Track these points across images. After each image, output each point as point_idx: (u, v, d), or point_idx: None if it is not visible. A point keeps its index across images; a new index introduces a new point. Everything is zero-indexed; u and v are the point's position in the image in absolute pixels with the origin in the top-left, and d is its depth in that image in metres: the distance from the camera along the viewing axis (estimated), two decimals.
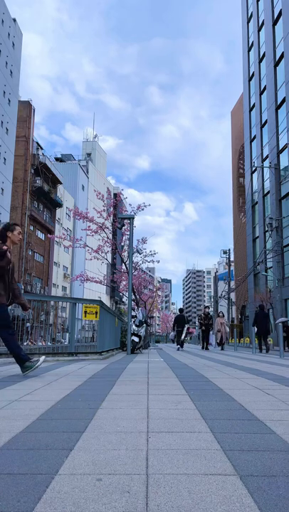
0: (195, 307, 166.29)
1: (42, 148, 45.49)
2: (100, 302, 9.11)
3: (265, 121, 37.53)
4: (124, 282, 22.19)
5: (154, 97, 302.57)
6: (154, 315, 59.12)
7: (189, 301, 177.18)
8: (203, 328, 16.57)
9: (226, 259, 44.78)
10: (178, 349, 15.41)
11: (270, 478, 1.39)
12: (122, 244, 19.50)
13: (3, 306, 4.27)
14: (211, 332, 18.20)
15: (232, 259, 48.59)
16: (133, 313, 12.41)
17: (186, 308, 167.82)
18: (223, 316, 18.11)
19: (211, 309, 17.86)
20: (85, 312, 8.65)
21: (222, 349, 16.65)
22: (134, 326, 11.78)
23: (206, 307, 17.58)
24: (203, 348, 16.61)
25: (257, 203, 39.67)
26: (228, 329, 17.45)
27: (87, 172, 64.85)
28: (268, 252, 33.73)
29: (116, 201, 22.65)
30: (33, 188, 41.53)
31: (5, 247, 4.25)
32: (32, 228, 42.07)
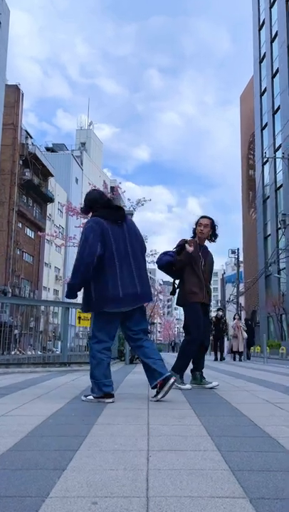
0: None
1: (31, 137, 45.51)
2: None
3: (278, 107, 37.54)
4: None
5: (153, 80, 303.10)
6: (155, 321, 59.16)
7: None
8: (214, 333, 14.92)
9: (235, 260, 44.84)
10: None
11: (284, 502, 1.39)
12: None
13: None
14: (225, 339, 16.46)
15: (241, 259, 48.65)
16: None
17: None
18: (240, 318, 16.80)
19: (221, 313, 16.19)
20: (79, 318, 8.66)
21: (240, 359, 15.33)
22: None
23: (218, 309, 16.22)
24: (216, 359, 14.76)
25: (269, 197, 39.68)
26: (245, 335, 15.86)
27: (82, 163, 64.91)
28: (280, 251, 33.73)
29: (113, 195, 22.65)
30: (22, 181, 41.54)
31: None
32: (20, 225, 42.10)
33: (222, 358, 14.69)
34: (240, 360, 15.20)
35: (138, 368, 9.25)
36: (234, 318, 16.23)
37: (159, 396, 3.52)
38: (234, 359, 15.31)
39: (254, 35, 45.61)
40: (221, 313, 15.79)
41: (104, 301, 3.46)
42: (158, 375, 3.53)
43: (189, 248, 4.50)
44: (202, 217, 4.73)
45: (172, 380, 3.51)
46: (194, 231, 4.78)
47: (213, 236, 4.74)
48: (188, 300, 4.59)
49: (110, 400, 3.46)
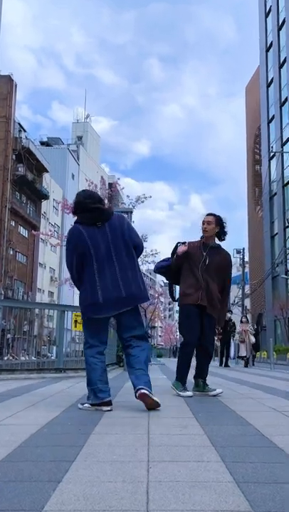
0: None
1: (25, 131, 45.53)
2: None
3: (286, 99, 37.57)
4: None
5: (154, 71, 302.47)
6: (156, 325, 59.14)
7: None
8: (220, 337, 14.36)
9: (240, 260, 44.82)
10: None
11: None
12: None
13: None
14: (232, 342, 15.93)
15: (246, 259, 48.65)
16: None
17: None
18: (248, 321, 16.31)
19: (229, 315, 15.25)
20: (76, 322, 8.66)
21: (246, 365, 14.88)
22: None
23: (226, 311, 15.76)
24: (221, 364, 14.46)
25: (276, 194, 39.70)
26: (253, 339, 15.31)
27: (78, 158, 64.94)
28: (288, 251, 33.76)
29: (111, 192, 22.65)
30: (15, 177, 41.54)
31: None
32: (13, 224, 42.11)
33: (226, 364, 14.36)
34: (245, 366, 14.80)
35: None
36: (241, 322, 15.80)
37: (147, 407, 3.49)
38: (246, 365, 14.85)
39: (260, 22, 45.63)
40: (228, 315, 14.92)
41: (86, 308, 3.61)
42: (134, 385, 3.54)
43: (180, 249, 4.61)
44: (206, 214, 4.79)
45: (141, 392, 3.41)
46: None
47: (221, 234, 4.76)
48: (181, 302, 4.71)
49: (108, 408, 3.46)
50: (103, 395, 3.51)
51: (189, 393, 4.48)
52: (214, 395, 4.55)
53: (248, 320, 16.56)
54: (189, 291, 4.59)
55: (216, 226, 4.69)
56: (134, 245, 3.77)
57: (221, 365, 14.32)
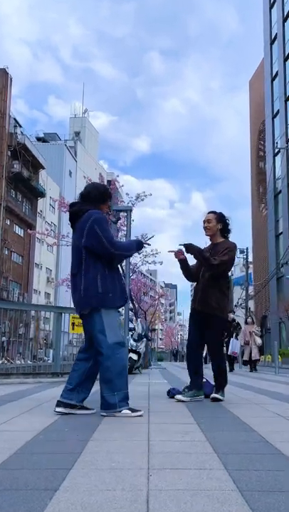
0: None
1: (21, 126, 45.55)
2: None
3: None
4: None
5: (154, 64, 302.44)
6: (157, 328, 59.11)
7: None
8: (226, 340, 13.74)
9: (243, 260, 44.85)
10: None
11: None
12: None
13: None
14: (232, 340, 14.77)
15: (250, 259, 48.67)
16: (131, 326, 12.41)
17: None
18: (254, 322, 15.45)
19: (232, 315, 14.22)
20: (73, 324, 8.66)
21: (252, 370, 14.24)
22: (132, 341, 11.79)
23: (229, 312, 14.18)
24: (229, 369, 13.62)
25: (280, 191, 39.69)
26: (259, 341, 14.46)
27: (76, 155, 64.98)
28: None
29: (111, 190, 22.62)
30: (10, 174, 41.56)
31: None
32: (8, 222, 42.12)
33: (231, 369, 13.92)
34: (251, 370, 14.26)
35: (138, 378, 9.26)
36: (246, 323, 15.07)
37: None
38: (251, 370, 14.24)
39: (264, 14, 45.61)
40: (232, 315, 14.65)
41: None
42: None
43: (176, 256, 4.64)
44: (207, 213, 4.73)
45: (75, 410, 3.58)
46: None
47: (224, 232, 4.68)
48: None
49: (59, 410, 3.58)
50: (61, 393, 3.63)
51: (179, 396, 4.54)
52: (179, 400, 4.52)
53: (253, 321, 15.75)
54: (193, 297, 4.76)
55: (218, 223, 4.62)
56: (82, 241, 3.58)
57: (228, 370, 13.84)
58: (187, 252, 4.48)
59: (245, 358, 14.40)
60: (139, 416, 3.42)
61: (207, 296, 4.55)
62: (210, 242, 4.81)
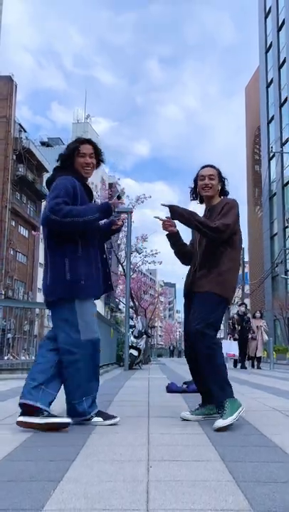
0: None
1: (25, 131, 45.53)
2: None
3: (285, 99, 37.55)
4: (120, 287, 22.21)
5: (153, 71, 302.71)
6: (156, 325, 59.16)
7: None
8: (237, 336, 12.95)
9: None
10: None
11: None
12: (119, 242, 19.52)
13: None
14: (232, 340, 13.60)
15: (246, 259, 48.61)
16: (131, 323, 12.42)
17: None
18: (262, 316, 14.17)
19: (243, 309, 13.46)
20: None
21: (254, 366, 13.13)
22: (132, 338, 11.79)
23: (240, 304, 13.99)
24: (236, 365, 13.14)
25: (275, 194, 39.68)
26: (266, 337, 13.41)
27: None
28: (287, 251, 33.76)
29: (111, 192, 22.69)
30: (15, 177, 41.56)
31: None
32: (14, 224, 42.11)
33: (243, 366, 12.84)
34: (253, 366, 13.17)
35: (138, 373, 9.25)
36: (254, 317, 13.67)
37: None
38: (252, 366, 13.19)
39: (260, 23, 45.59)
40: (243, 308, 13.45)
41: None
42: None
43: (165, 228, 3.26)
44: (202, 167, 3.33)
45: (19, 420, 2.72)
46: (194, 192, 3.37)
47: (222, 194, 3.34)
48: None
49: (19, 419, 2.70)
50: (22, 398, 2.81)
51: (189, 416, 3.08)
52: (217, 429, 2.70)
53: (262, 315, 14.16)
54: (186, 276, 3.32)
55: (219, 182, 3.29)
56: (45, 228, 2.93)
57: (240, 367, 12.81)
58: (173, 218, 3.14)
59: (251, 353, 13.04)
60: (114, 424, 2.82)
61: (206, 268, 3.11)
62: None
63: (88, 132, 71.58)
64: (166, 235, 3.29)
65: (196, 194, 3.35)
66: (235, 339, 13.06)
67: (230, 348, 13.09)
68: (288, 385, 6.50)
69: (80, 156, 2.94)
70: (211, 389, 2.95)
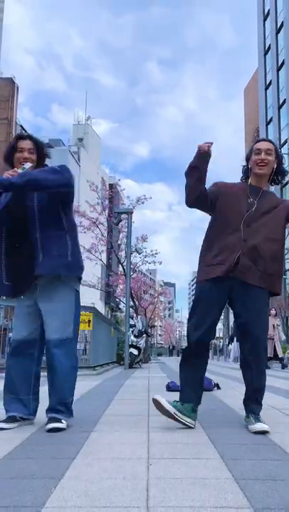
0: None
1: (27, 133, 45.53)
2: (93, 309, 9.10)
3: (284, 101, 37.56)
4: (121, 286, 22.18)
5: (153, 73, 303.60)
6: (156, 324, 59.09)
7: None
8: None
9: None
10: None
11: None
12: (119, 242, 19.53)
13: None
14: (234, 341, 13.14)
15: None
16: (131, 322, 12.43)
17: None
18: (276, 314, 13.21)
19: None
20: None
21: (284, 366, 12.52)
22: (132, 337, 11.80)
23: None
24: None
25: None
26: (283, 336, 12.50)
27: (79, 159, 64.89)
28: (286, 251, 33.75)
29: (112, 193, 22.69)
30: None
31: None
32: None
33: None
34: (283, 367, 12.46)
35: (138, 372, 9.25)
36: (269, 315, 12.93)
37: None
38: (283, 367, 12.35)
39: (258, 26, 45.61)
40: None
41: None
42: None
43: (203, 146, 2.75)
44: (258, 141, 2.94)
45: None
46: (247, 170, 2.93)
47: (279, 174, 2.87)
48: (198, 277, 2.88)
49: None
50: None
51: (189, 420, 2.69)
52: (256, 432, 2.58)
53: (276, 312, 13.37)
54: (219, 258, 2.72)
55: (276, 160, 2.83)
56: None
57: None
58: None
59: (270, 354, 11.53)
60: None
61: (263, 255, 2.70)
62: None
63: (89, 133, 71.67)
64: (201, 154, 2.75)
65: (247, 175, 2.94)
66: None
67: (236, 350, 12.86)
68: (287, 384, 6.50)
69: (18, 151, 2.83)
70: (262, 390, 2.88)
